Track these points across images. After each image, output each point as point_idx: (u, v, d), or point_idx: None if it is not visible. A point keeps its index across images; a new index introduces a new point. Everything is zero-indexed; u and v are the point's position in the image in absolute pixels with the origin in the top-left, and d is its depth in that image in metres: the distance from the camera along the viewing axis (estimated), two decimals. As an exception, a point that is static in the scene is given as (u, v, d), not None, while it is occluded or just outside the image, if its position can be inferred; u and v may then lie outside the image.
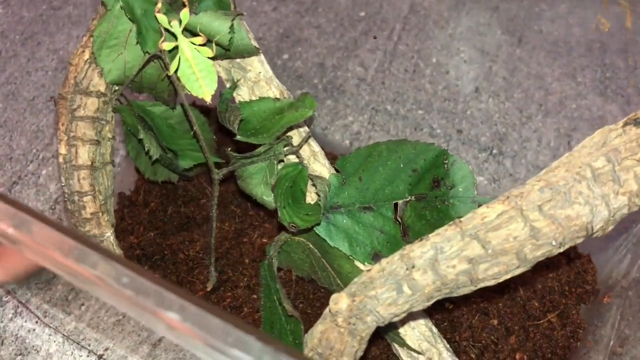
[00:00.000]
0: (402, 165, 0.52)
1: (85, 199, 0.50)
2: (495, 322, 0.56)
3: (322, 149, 0.53)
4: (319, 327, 0.43)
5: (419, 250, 0.40)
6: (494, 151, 0.79)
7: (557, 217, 0.39)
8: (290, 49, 0.91)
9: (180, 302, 0.28)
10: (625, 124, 0.42)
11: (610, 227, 0.40)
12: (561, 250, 0.39)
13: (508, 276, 0.39)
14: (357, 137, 0.81)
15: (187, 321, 0.27)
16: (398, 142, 0.54)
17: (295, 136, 0.51)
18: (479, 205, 0.52)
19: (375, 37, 0.83)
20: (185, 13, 0.45)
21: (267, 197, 0.51)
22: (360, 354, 0.41)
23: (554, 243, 0.39)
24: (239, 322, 0.26)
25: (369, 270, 0.42)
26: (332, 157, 0.65)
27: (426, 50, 0.89)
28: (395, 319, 0.40)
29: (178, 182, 0.64)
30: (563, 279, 0.59)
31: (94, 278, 0.28)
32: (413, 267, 0.39)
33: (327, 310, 0.43)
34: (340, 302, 0.40)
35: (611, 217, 0.39)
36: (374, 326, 0.40)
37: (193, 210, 0.64)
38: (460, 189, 0.52)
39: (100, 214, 0.51)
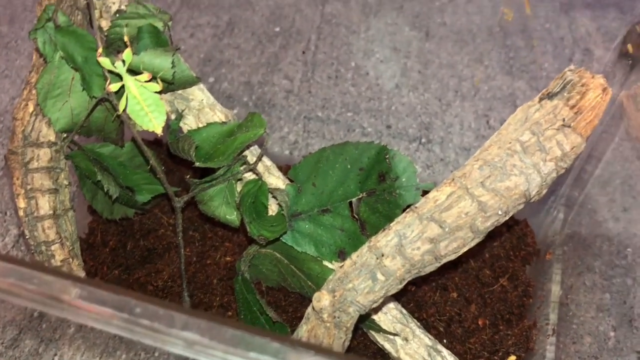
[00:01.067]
0: (349, 166, 0.56)
1: (53, 247, 0.51)
2: (455, 294, 0.61)
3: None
4: (304, 327, 0.46)
5: (384, 240, 0.44)
6: (423, 140, 0.85)
7: (499, 190, 0.44)
8: (215, 71, 0.94)
9: (192, 320, 0.30)
10: (541, 99, 0.48)
11: (544, 191, 0.46)
12: (507, 218, 0.44)
13: (466, 248, 0.44)
14: (295, 146, 0.84)
15: (205, 336, 0.29)
16: (341, 145, 0.58)
17: (249, 154, 0.53)
18: (422, 191, 0.57)
19: (304, 52, 0.87)
20: (128, 54, 0.47)
21: (230, 216, 0.54)
22: (347, 343, 0.45)
23: (499, 212, 0.43)
24: (252, 328, 0.29)
25: (341, 266, 0.46)
26: (278, 168, 0.69)
27: (344, 55, 0.94)
28: (374, 305, 0.44)
29: (134, 217, 0.65)
30: (507, 245, 0.65)
31: (108, 314, 0.30)
32: (382, 255, 0.43)
33: (309, 310, 0.47)
34: (322, 299, 0.43)
35: (544, 182, 0.45)
36: (356, 315, 0.44)
37: (153, 242, 0.65)
38: (403, 180, 0.56)
39: (71, 259, 0.52)
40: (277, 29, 0.98)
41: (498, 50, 0.94)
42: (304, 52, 0.87)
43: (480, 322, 0.60)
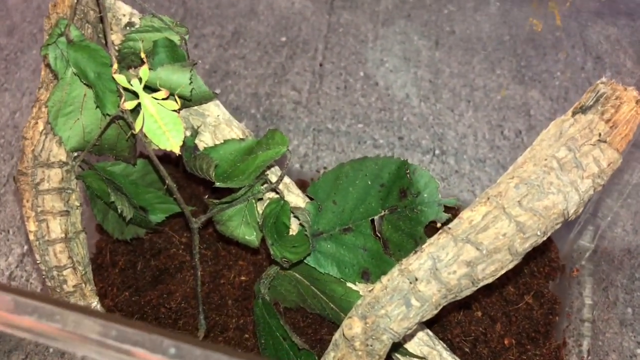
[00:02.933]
0: (369, 182, 0.54)
1: (65, 272, 0.49)
2: (480, 313, 0.59)
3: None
4: (331, 355, 0.44)
5: (417, 263, 0.42)
6: (437, 152, 0.83)
7: (537, 209, 0.42)
8: (221, 83, 0.92)
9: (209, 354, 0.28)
10: (574, 113, 0.46)
11: (581, 209, 0.44)
12: (544, 238, 0.42)
13: (504, 271, 0.42)
14: (306, 159, 0.82)
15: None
16: (361, 160, 0.56)
17: (269, 172, 0.51)
18: (444, 207, 0.55)
19: (321, 65, 0.85)
20: (145, 70, 0.44)
21: (250, 237, 0.52)
22: (379, 372, 0.43)
23: (538, 233, 0.42)
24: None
25: (370, 290, 0.43)
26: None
27: (352, 65, 0.92)
28: (408, 332, 0.42)
29: (144, 236, 0.63)
30: (530, 262, 0.63)
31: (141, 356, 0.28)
32: (416, 279, 0.41)
33: (336, 336, 0.44)
34: (354, 326, 0.41)
35: (581, 200, 0.43)
36: (390, 343, 0.41)
37: (164, 261, 0.63)
38: (425, 195, 0.54)
39: (83, 284, 0.50)
40: (284, 39, 0.96)
41: (509, 58, 0.92)
42: (321, 65, 0.85)
43: (506, 342, 0.58)
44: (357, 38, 0.96)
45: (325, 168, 0.79)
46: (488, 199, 0.43)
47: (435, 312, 0.42)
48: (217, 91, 0.90)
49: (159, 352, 0.28)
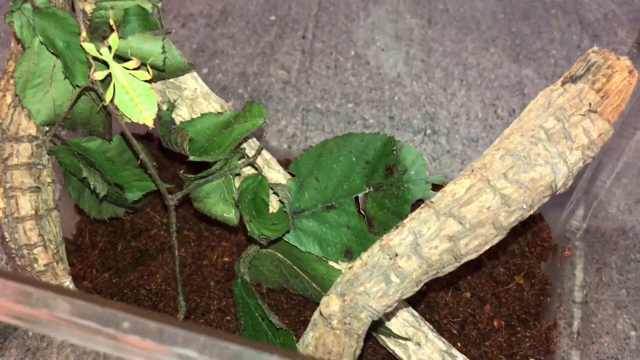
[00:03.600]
0: (354, 159, 0.52)
1: (35, 250, 0.47)
2: (468, 294, 0.58)
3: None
4: (310, 335, 0.42)
5: (398, 238, 0.40)
6: (428, 131, 0.81)
7: (523, 182, 0.40)
8: (208, 62, 0.90)
9: (189, 335, 0.26)
10: (564, 83, 0.44)
11: (570, 182, 0.42)
12: (531, 212, 0.41)
13: (488, 246, 0.40)
14: (294, 140, 0.80)
15: (204, 354, 0.25)
16: (345, 136, 0.54)
17: (247, 147, 0.49)
18: (432, 185, 0.53)
19: (303, 37, 0.83)
20: (114, 38, 0.42)
21: (228, 214, 0.50)
22: (358, 352, 0.41)
23: (524, 207, 0.40)
24: (256, 344, 0.25)
25: (350, 268, 0.42)
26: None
27: (343, 44, 0.90)
28: (388, 310, 0.40)
29: (124, 217, 0.61)
30: (521, 242, 0.61)
31: (93, 330, 0.26)
32: (396, 255, 0.39)
33: (315, 315, 0.43)
34: (331, 304, 0.39)
35: (570, 172, 0.41)
36: (369, 322, 0.40)
37: (145, 242, 0.61)
38: (412, 173, 0.52)
39: (55, 263, 0.48)
40: (273, 18, 0.94)
41: (503, 37, 0.90)
42: (303, 37, 0.82)
43: (495, 324, 0.56)
44: (348, 17, 0.94)
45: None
46: (472, 171, 0.41)
47: (417, 289, 0.40)
48: (204, 70, 0.88)
49: (112, 326, 0.26)
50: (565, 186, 0.42)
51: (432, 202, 0.41)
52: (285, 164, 0.68)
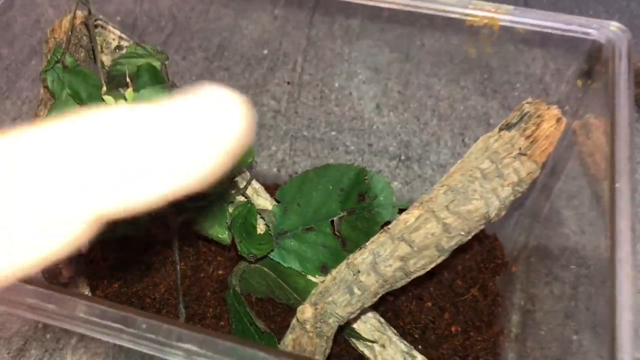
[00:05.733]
0: (331, 187, 0.62)
1: (60, 266, 0.56)
2: (430, 304, 0.67)
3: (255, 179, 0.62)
4: (289, 337, 0.52)
5: (361, 258, 0.50)
6: (402, 157, 0.90)
7: (461, 213, 0.49)
8: (206, 93, 0.99)
9: (190, 334, 0.35)
10: (500, 130, 0.54)
11: (503, 212, 0.51)
12: (469, 237, 0.50)
13: (433, 265, 0.49)
14: (283, 164, 0.90)
15: (201, 348, 0.34)
16: (324, 167, 0.63)
17: (239, 178, 0.59)
18: (399, 209, 0.62)
19: (288, 83, 0.92)
20: (130, 93, 0.52)
21: (222, 235, 0.59)
22: (328, 351, 0.50)
23: (462, 233, 0.49)
24: (242, 341, 0.34)
25: (322, 282, 0.51)
26: (266, 187, 0.74)
27: (328, 77, 1.00)
28: (352, 317, 0.49)
29: (133, 235, 0.70)
30: (478, 258, 0.70)
31: (118, 329, 0.35)
32: (358, 272, 0.49)
33: (294, 321, 0.52)
34: (305, 312, 0.49)
35: (502, 205, 0.50)
36: (336, 326, 0.49)
37: (150, 257, 0.70)
38: (381, 198, 0.62)
39: (76, 277, 0.57)
40: (265, 52, 1.04)
41: (474, 71, 1.00)
42: (293, 70, 0.92)
43: (452, 329, 0.65)
44: (333, 51, 1.04)
45: (296, 173, 0.86)
46: (421, 203, 0.50)
47: (375, 299, 0.49)
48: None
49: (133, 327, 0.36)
50: (498, 216, 0.51)
51: (389, 228, 0.50)
52: (274, 187, 0.77)
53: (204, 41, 1.06)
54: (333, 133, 0.93)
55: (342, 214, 0.61)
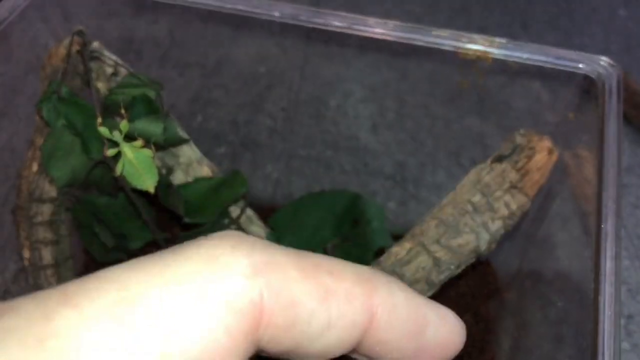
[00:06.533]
0: (324, 214, 0.62)
1: (54, 294, 0.56)
2: (422, 330, 0.67)
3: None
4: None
5: (352, 290, 0.50)
6: (397, 178, 0.91)
7: (452, 246, 0.49)
8: (202, 110, 0.99)
9: None
10: (492, 162, 0.54)
11: (494, 246, 0.52)
12: (459, 271, 0.50)
13: (423, 299, 0.50)
14: (279, 184, 0.90)
15: None
16: (317, 193, 0.64)
17: (232, 208, 0.59)
18: (392, 236, 0.63)
19: (290, 89, 0.93)
20: (124, 124, 0.52)
21: (216, 263, 0.59)
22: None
23: (452, 267, 0.49)
24: None
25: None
26: (260, 209, 0.74)
27: (325, 96, 1.00)
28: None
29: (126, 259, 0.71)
30: (471, 284, 0.71)
31: None
32: (349, 305, 0.49)
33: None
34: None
35: (492, 239, 0.51)
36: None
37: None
38: (375, 224, 0.62)
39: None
40: (262, 70, 1.04)
41: (470, 90, 1.00)
42: (290, 88, 0.93)
43: (445, 355, 0.65)
44: (330, 69, 1.04)
45: (292, 193, 0.87)
46: (413, 236, 0.51)
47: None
48: (199, 118, 0.98)
49: None
50: (489, 249, 0.52)
51: (381, 261, 0.51)
52: (268, 209, 0.77)
53: (202, 57, 1.07)
54: (329, 152, 0.94)
55: (335, 241, 0.61)
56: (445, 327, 0.20)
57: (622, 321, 0.75)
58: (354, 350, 0.19)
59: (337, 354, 0.18)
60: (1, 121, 0.97)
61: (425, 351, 0.19)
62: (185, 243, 0.18)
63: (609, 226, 0.41)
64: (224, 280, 0.16)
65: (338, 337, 0.18)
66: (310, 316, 0.17)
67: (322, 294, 0.18)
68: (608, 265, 0.40)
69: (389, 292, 0.18)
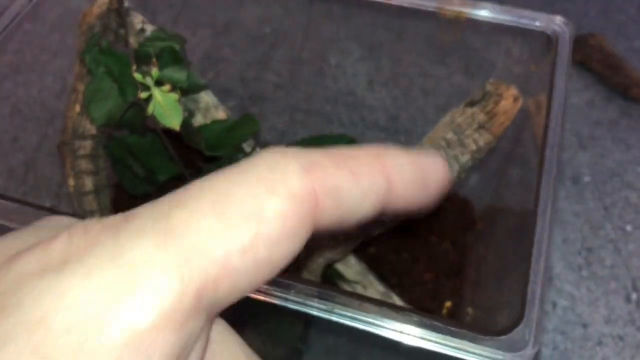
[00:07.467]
0: (323, 154, 0.72)
1: (95, 215, 0.67)
2: (406, 255, 0.78)
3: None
4: (285, 275, 0.63)
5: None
6: (391, 130, 1.01)
7: (428, 174, 0.60)
8: (214, 67, 1.09)
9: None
10: (465, 106, 0.64)
11: (463, 175, 0.62)
12: (434, 195, 0.61)
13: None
14: (284, 135, 1.00)
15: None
16: (318, 136, 0.74)
17: (246, 145, 0.69)
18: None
19: (293, 47, 1.02)
20: (155, 71, 0.62)
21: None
22: (316, 285, 0.61)
23: (428, 191, 0.60)
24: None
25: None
26: (267, 154, 0.84)
27: (326, 54, 1.09)
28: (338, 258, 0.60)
29: (152, 194, 0.81)
30: (450, 217, 0.81)
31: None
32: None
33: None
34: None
35: (461, 168, 0.61)
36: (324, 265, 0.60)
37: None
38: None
39: (109, 224, 0.68)
40: (268, 30, 1.13)
41: (459, 51, 1.09)
42: (293, 47, 1.02)
43: (426, 276, 0.76)
44: (332, 30, 1.13)
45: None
46: (396, 167, 0.61)
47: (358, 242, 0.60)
48: (211, 74, 1.07)
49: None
50: (459, 178, 0.62)
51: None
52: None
53: (212, 18, 1.15)
54: (329, 107, 1.03)
55: (332, 177, 0.71)
56: (437, 166, 0.25)
57: (584, 253, 0.86)
58: (383, 212, 0.24)
59: (372, 217, 0.24)
60: (30, 76, 1.07)
61: (430, 193, 0.25)
62: (243, 161, 0.24)
63: (546, 163, 0.50)
64: (287, 180, 0.21)
65: (370, 204, 0.22)
66: (349, 194, 0.22)
67: (352, 175, 0.22)
68: (543, 194, 0.49)
69: (395, 157, 0.24)
